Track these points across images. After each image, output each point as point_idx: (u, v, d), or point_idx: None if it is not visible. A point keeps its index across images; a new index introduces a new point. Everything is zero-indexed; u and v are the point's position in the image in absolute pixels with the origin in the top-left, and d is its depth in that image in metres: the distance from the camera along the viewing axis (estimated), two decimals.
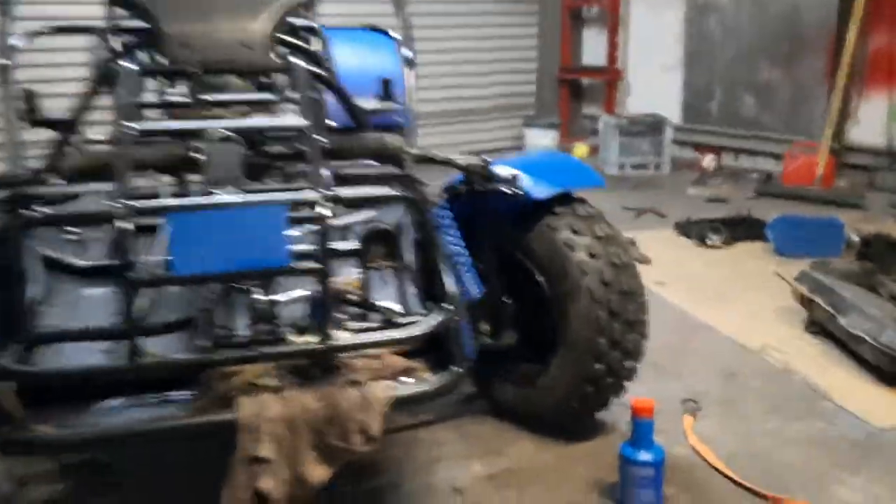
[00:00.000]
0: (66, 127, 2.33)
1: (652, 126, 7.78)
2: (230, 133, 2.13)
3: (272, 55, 2.41)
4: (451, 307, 2.27)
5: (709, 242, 5.24)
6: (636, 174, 7.67)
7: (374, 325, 2.32)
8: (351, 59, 4.10)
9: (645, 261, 4.89)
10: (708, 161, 7.73)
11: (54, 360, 2.15)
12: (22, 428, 1.97)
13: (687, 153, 8.06)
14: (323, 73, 2.50)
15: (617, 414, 2.94)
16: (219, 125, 2.15)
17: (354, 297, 2.43)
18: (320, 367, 2.20)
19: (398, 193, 2.24)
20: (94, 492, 2.59)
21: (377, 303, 2.45)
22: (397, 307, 2.43)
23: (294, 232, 2.11)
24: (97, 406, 2.08)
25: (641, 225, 5.78)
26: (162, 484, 2.62)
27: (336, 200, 2.07)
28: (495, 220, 2.86)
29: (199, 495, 2.11)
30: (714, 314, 4.10)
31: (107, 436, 1.99)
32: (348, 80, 3.20)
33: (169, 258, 1.96)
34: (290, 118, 2.35)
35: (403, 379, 2.22)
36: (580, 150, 8.24)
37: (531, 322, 2.91)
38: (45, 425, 1.99)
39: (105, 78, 2.31)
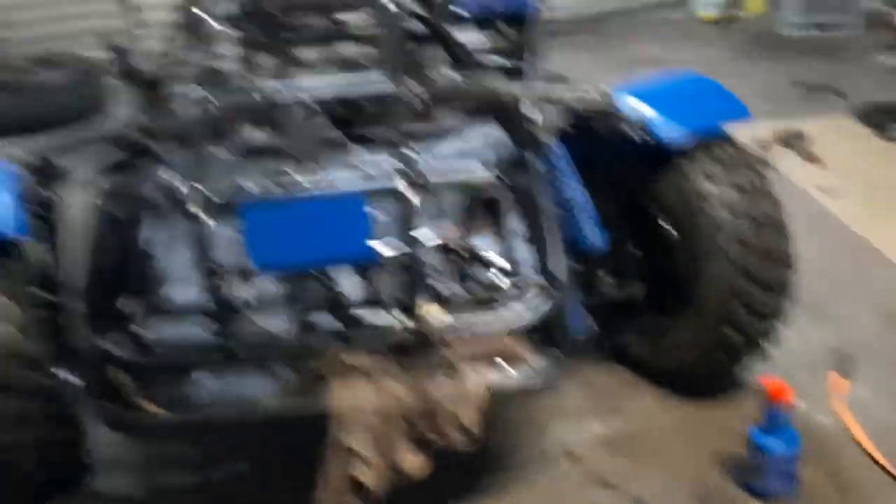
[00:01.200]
0: (154, 84, 2.25)
1: None
2: (310, 103, 1.96)
3: None
4: (561, 289, 2.06)
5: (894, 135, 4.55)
6: (819, 37, 6.73)
7: (474, 297, 2.14)
8: None
9: (812, 160, 4.35)
10: None
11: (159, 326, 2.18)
12: (133, 407, 2.04)
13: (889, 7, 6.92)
14: (418, 9, 2.21)
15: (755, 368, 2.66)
16: (298, 89, 1.98)
17: (459, 253, 2.26)
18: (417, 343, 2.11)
19: (500, 179, 2.01)
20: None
21: (483, 259, 2.25)
22: (503, 266, 2.22)
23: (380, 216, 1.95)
24: (195, 379, 2.10)
25: (812, 108, 5.09)
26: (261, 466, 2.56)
27: (423, 187, 1.88)
28: (617, 160, 2.55)
29: (296, 478, 2.11)
30: (890, 235, 3.57)
31: (211, 422, 2.03)
32: None
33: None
34: (377, 78, 2.13)
35: (503, 364, 2.08)
36: (754, 2, 7.36)
37: (657, 271, 2.65)
38: (152, 405, 2.04)
39: (189, 27, 2.18)
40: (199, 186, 1.86)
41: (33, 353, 2.12)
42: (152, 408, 2.03)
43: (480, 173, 2.09)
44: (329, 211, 1.85)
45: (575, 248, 2.35)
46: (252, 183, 1.91)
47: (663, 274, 2.62)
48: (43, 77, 5.43)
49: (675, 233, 2.49)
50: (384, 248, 1.93)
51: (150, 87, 2.23)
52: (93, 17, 6.03)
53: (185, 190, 1.88)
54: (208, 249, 1.92)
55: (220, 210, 1.87)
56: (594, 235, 2.58)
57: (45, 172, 2.32)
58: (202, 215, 1.84)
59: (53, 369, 2.12)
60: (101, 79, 5.75)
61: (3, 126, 5.37)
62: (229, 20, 2.29)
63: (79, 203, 2.33)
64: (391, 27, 2.05)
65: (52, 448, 2.19)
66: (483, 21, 3.94)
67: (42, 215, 2.30)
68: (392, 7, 2.06)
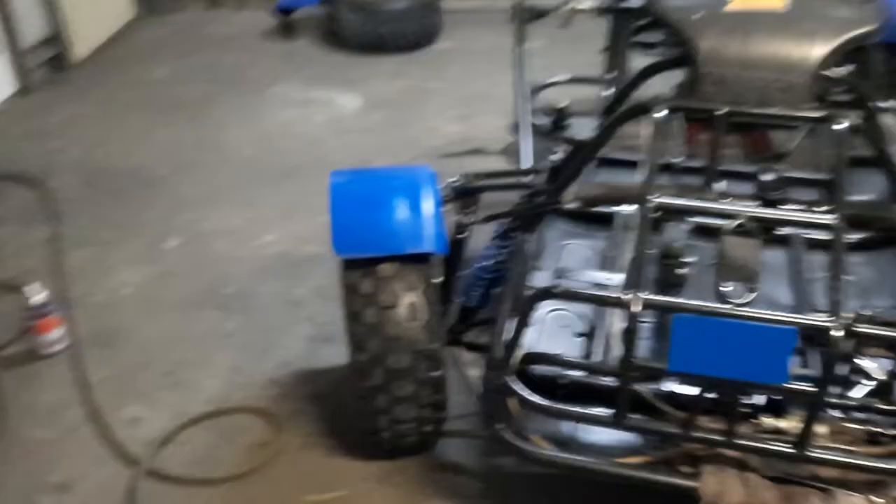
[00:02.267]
0: (587, 150, 2.41)
1: None
2: (747, 225, 2.04)
3: (814, 102, 2.15)
4: None
5: None
6: None
7: (866, 433, 2.16)
8: None
9: None
10: None
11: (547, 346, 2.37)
12: (517, 434, 2.29)
13: None
14: (870, 129, 2.16)
15: None
16: (740, 211, 2.06)
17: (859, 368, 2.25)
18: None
19: None
20: None
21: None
22: None
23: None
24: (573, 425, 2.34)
25: None
26: None
27: (854, 335, 1.92)
28: None
29: None
30: None
31: (582, 470, 2.24)
32: None
33: (669, 351, 2.01)
34: (815, 212, 2.12)
35: (874, 499, 2.13)
36: None
37: None
38: (542, 441, 2.29)
39: (633, 112, 2.29)
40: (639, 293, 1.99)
41: (432, 349, 2.45)
42: (542, 443, 2.30)
43: None
44: (757, 336, 1.95)
45: None
46: (688, 294, 2.04)
47: None
48: (392, 4, 5.93)
49: None
50: (799, 382, 2.01)
51: (581, 152, 2.39)
52: None
53: (626, 296, 2.01)
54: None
55: (648, 306, 2.03)
56: None
57: (466, 197, 2.60)
58: (633, 308, 1.99)
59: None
60: (437, 9, 6.10)
61: (359, 43, 5.99)
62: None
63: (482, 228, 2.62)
64: (838, 152, 2.04)
65: (423, 423, 2.54)
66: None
67: (456, 234, 2.60)
68: (844, 130, 2.04)
